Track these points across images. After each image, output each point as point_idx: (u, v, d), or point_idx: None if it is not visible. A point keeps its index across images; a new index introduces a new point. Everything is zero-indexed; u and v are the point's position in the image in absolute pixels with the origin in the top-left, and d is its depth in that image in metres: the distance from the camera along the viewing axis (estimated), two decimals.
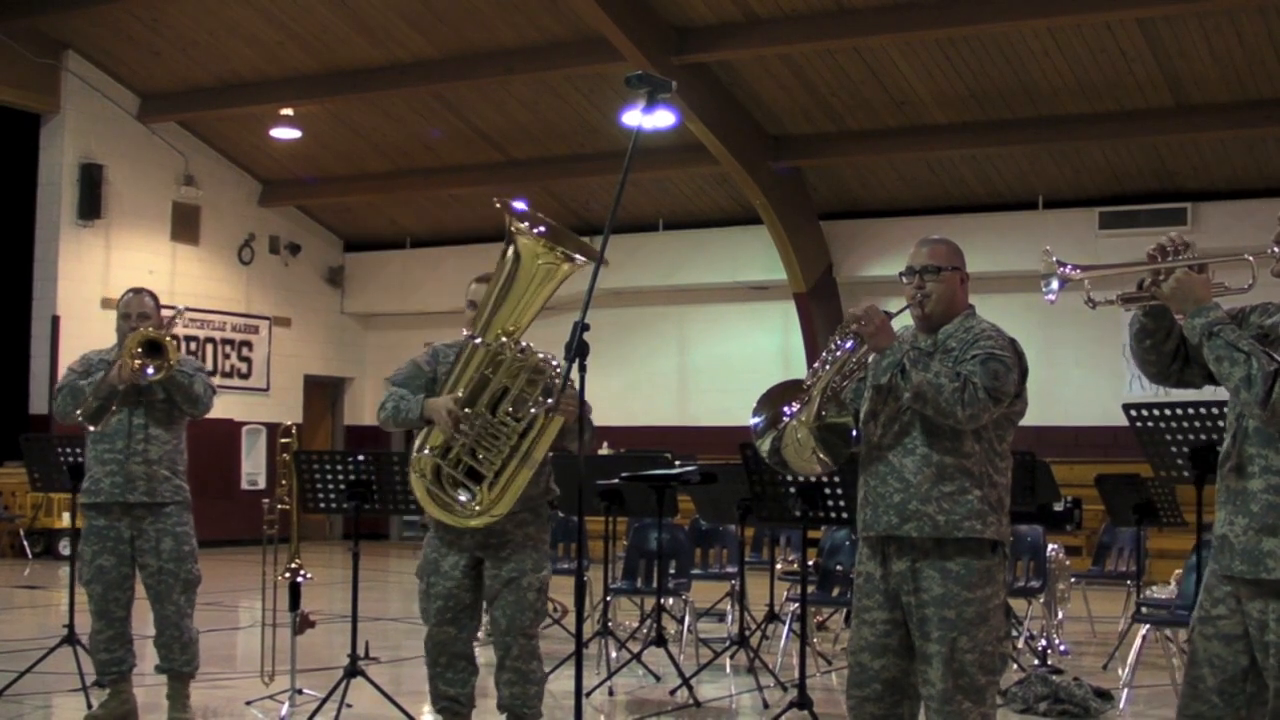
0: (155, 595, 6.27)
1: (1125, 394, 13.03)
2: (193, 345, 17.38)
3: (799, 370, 14.93)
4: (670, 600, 8.84)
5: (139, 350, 6.03)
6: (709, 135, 14.46)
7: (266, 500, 7.05)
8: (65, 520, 14.71)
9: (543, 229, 5.01)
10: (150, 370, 6.02)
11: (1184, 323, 3.64)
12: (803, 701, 6.44)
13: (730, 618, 9.29)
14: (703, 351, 17.93)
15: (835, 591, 8.43)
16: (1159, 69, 13.13)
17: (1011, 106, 14.16)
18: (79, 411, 6.16)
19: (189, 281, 17.36)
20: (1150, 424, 6.32)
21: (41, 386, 16.29)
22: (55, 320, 16.30)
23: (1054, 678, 7.28)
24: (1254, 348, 3.50)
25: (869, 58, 13.64)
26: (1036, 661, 7.98)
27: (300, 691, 6.67)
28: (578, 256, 4.93)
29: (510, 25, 14.15)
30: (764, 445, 4.46)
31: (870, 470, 4.41)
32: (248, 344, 18.44)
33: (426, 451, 5.18)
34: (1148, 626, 7.82)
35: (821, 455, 4.43)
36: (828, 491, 6.77)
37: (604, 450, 14.46)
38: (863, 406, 4.47)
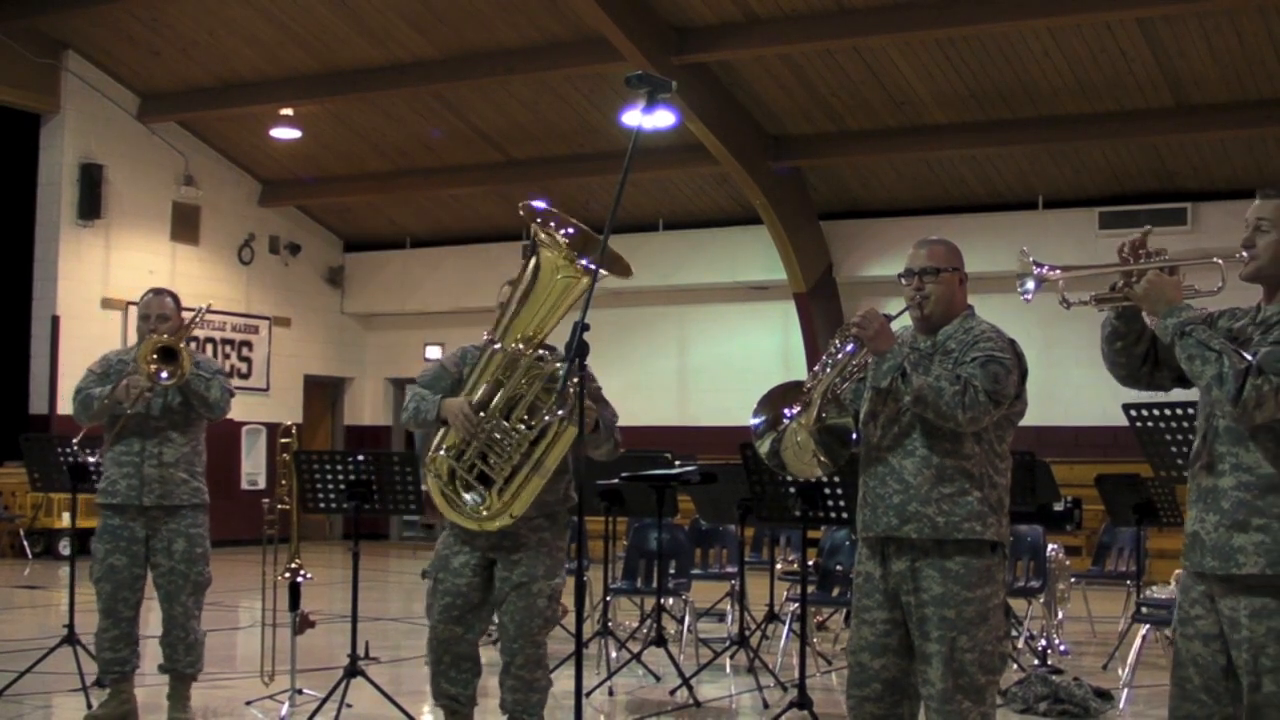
0: (164, 595, 6.30)
1: (1125, 394, 13.01)
2: (193, 345, 17.33)
3: (799, 370, 14.96)
4: (670, 600, 8.85)
5: (154, 356, 6.09)
6: (709, 135, 14.47)
7: (266, 500, 7.06)
8: (65, 520, 14.72)
9: (570, 231, 4.95)
10: (164, 375, 6.08)
11: (1156, 323, 3.70)
12: (803, 701, 6.44)
13: (730, 618, 9.29)
14: (703, 351, 17.93)
15: (835, 591, 8.43)
16: (1159, 69, 13.13)
17: (1011, 106, 14.16)
18: (89, 420, 6.30)
19: (189, 282, 17.33)
20: (1150, 424, 6.32)
21: (41, 387, 16.30)
22: (55, 320, 16.30)
23: (1054, 678, 7.28)
24: (1225, 346, 3.55)
25: (869, 58, 13.64)
26: (1036, 661, 7.99)
27: (300, 691, 6.67)
28: (601, 270, 4.78)
29: (510, 25, 14.15)
30: (764, 446, 4.47)
31: (870, 471, 4.42)
32: (247, 344, 18.44)
33: (442, 452, 5.20)
34: (1148, 626, 7.83)
35: (821, 458, 4.44)
36: (827, 492, 6.77)
37: None
38: (862, 408, 4.48)
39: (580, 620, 4.38)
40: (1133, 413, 6.41)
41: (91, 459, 7.32)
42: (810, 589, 7.66)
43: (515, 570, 5.28)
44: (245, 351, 18.41)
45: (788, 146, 15.46)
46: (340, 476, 6.68)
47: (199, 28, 15.20)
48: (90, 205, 16.44)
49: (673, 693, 7.55)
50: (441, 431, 5.24)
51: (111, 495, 6.30)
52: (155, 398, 6.26)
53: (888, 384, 4.31)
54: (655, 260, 17.50)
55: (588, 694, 7.19)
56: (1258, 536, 3.56)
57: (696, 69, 13.88)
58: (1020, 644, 8.56)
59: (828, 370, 4.38)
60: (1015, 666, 7.96)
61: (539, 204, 5.07)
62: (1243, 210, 3.85)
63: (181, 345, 6.14)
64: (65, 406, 15.59)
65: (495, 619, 5.58)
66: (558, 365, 5.04)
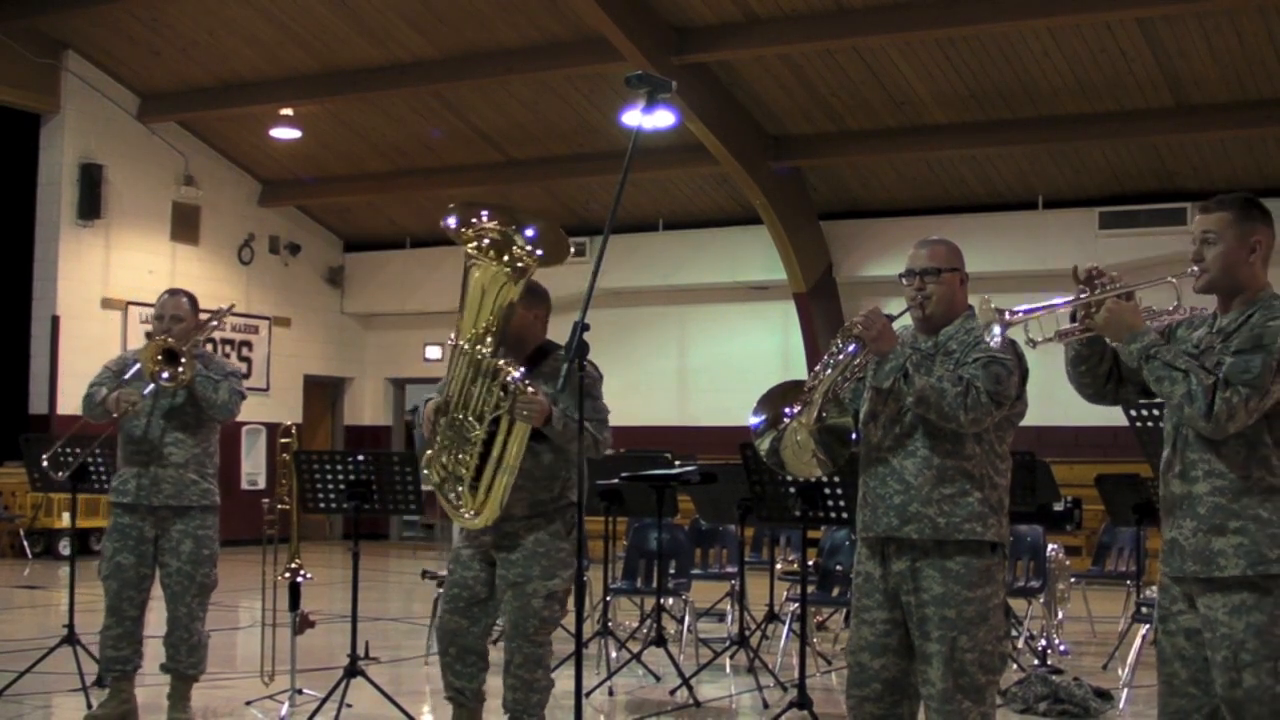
0: (170, 595, 6.32)
1: None
2: (209, 346, 17.35)
3: (799, 370, 14.96)
4: (670, 600, 8.85)
5: (159, 358, 6.12)
6: (709, 135, 14.46)
7: (266, 500, 7.06)
8: (65, 520, 14.72)
9: (484, 242, 5.02)
10: (165, 375, 6.11)
11: (1120, 349, 3.82)
12: (802, 701, 6.44)
13: (730, 618, 9.29)
14: (702, 351, 17.93)
15: (835, 591, 8.43)
16: (1159, 69, 13.13)
17: (1011, 106, 14.16)
18: (90, 418, 6.37)
19: (189, 282, 17.20)
20: (1150, 424, 6.32)
21: (41, 386, 16.30)
22: (55, 320, 16.30)
23: (1054, 678, 7.28)
24: (1190, 364, 3.67)
25: (869, 58, 13.64)
26: (1036, 661, 7.99)
27: (300, 691, 6.67)
28: (519, 262, 4.96)
29: (510, 25, 14.15)
30: (763, 445, 4.47)
31: (870, 471, 4.42)
32: (247, 344, 18.44)
33: (430, 452, 5.25)
34: (1148, 626, 7.81)
35: (821, 458, 4.44)
36: (827, 491, 6.77)
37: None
38: (863, 408, 4.48)
39: (580, 620, 4.37)
40: (1132, 413, 6.41)
41: (69, 458, 7.34)
42: (810, 589, 7.66)
43: (512, 570, 5.27)
44: (245, 351, 18.40)
45: (788, 146, 15.46)
46: (340, 476, 6.69)
47: (199, 28, 15.20)
48: (90, 205, 16.44)
49: (673, 693, 7.55)
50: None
51: (122, 494, 6.33)
52: (163, 398, 6.28)
53: (889, 384, 4.31)
54: (655, 260, 17.53)
55: (588, 694, 7.18)
56: (1235, 539, 3.66)
57: (696, 69, 13.88)
58: (1020, 644, 8.56)
59: (829, 370, 4.38)
60: (1015, 666, 7.96)
61: (450, 221, 5.09)
62: (1270, 210, 3.88)
63: (184, 348, 6.15)
64: (65, 406, 15.75)
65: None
66: (500, 361, 5.06)
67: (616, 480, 8.22)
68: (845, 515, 6.73)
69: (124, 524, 6.32)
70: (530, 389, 5.03)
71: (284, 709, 6.62)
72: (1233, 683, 3.63)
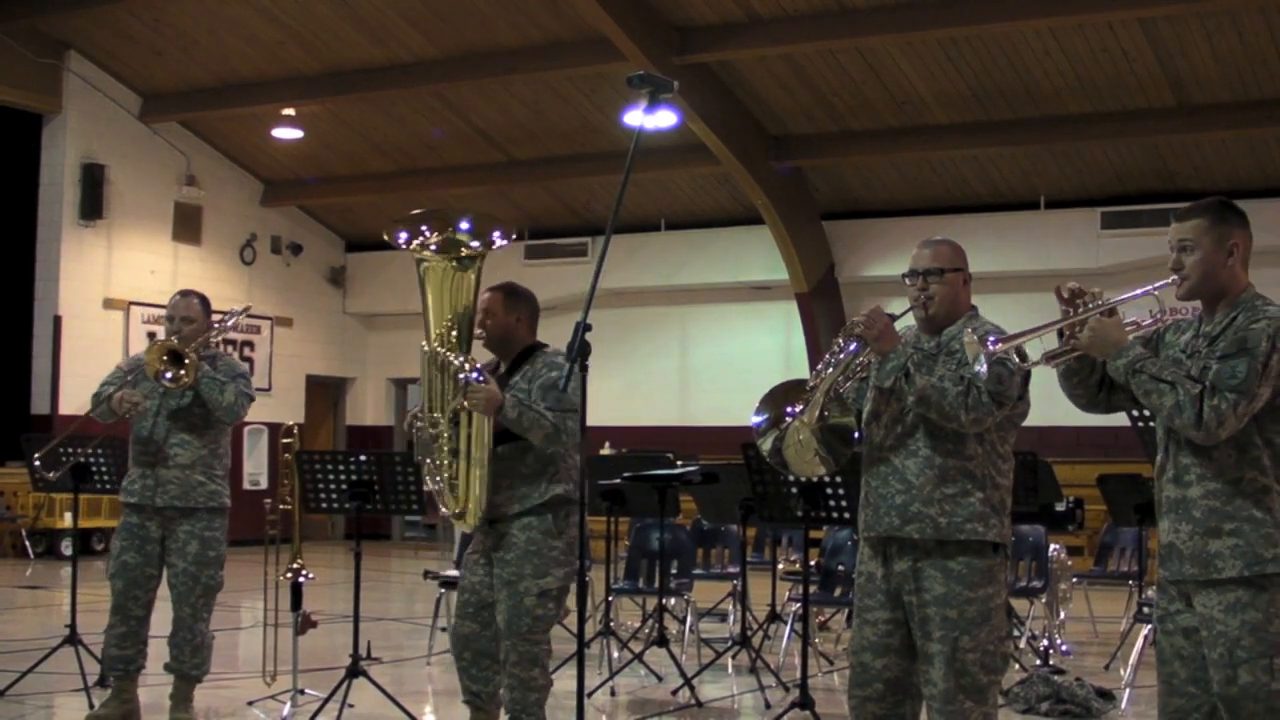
0: (175, 595, 6.34)
1: None
2: (226, 347, 17.37)
3: (800, 370, 14.95)
4: (672, 600, 8.85)
5: (165, 358, 6.14)
6: (711, 135, 14.46)
7: (268, 500, 7.06)
8: (67, 520, 14.72)
9: (431, 249, 5.34)
10: (168, 375, 6.13)
11: (1108, 365, 3.85)
12: (804, 701, 6.44)
13: (732, 618, 9.28)
14: (704, 351, 17.92)
15: (837, 591, 8.43)
16: (1160, 69, 13.13)
17: (1013, 106, 14.15)
18: (96, 417, 6.42)
19: (191, 282, 17.16)
20: (1151, 424, 6.29)
21: (43, 386, 16.30)
22: (57, 320, 16.30)
23: (1056, 678, 7.28)
24: (1176, 375, 3.71)
25: (870, 58, 13.64)
26: (1038, 661, 7.99)
27: (302, 692, 6.67)
28: (463, 251, 5.25)
29: (512, 25, 14.15)
30: (765, 444, 4.47)
31: (872, 471, 4.42)
32: (249, 344, 18.44)
33: (427, 462, 5.34)
34: (1149, 626, 7.81)
35: (823, 456, 4.44)
36: (829, 491, 6.76)
37: (606, 450, 14.47)
38: (865, 407, 4.48)
39: (582, 620, 4.38)
40: (1134, 412, 6.39)
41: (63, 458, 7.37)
42: (812, 589, 7.65)
43: (506, 569, 5.30)
44: (247, 352, 18.40)
45: (789, 146, 15.46)
46: (342, 476, 6.69)
47: (200, 28, 15.20)
48: (92, 205, 16.44)
49: (675, 693, 7.55)
50: None
51: (130, 494, 6.37)
52: (170, 399, 6.29)
53: (891, 384, 4.31)
54: (657, 260, 17.52)
55: (589, 694, 7.18)
56: (1231, 541, 3.70)
57: (698, 69, 13.88)
58: (1022, 644, 8.56)
59: (831, 369, 4.38)
60: (1017, 666, 7.96)
61: (401, 237, 5.42)
62: (1244, 210, 3.89)
63: (189, 350, 6.16)
64: (67, 406, 15.76)
65: None
66: (452, 357, 5.20)
67: (619, 480, 8.22)
68: (847, 515, 6.73)
69: (131, 523, 6.34)
70: (480, 379, 5.12)
71: (286, 709, 6.62)
72: (1228, 680, 3.66)
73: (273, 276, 18.88)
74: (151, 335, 15.94)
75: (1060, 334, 3.92)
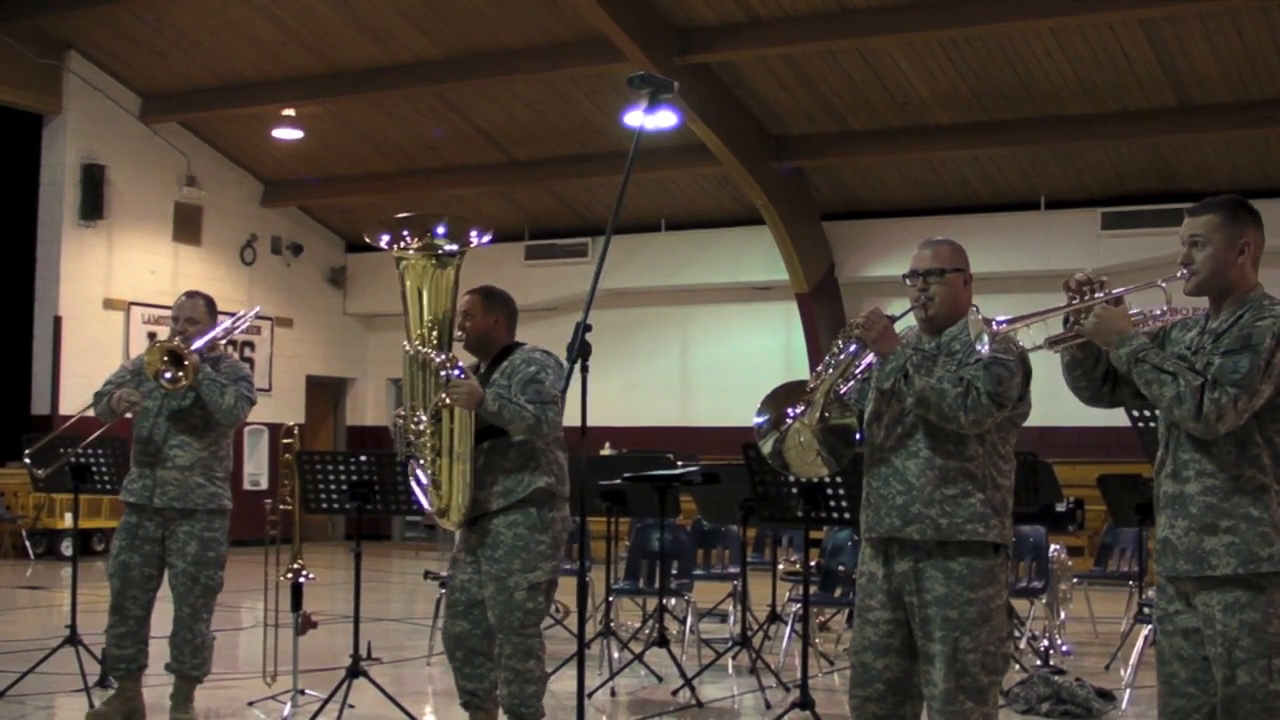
0: (176, 596, 6.35)
1: None
2: (230, 349, 17.34)
3: (801, 371, 14.95)
4: (672, 601, 8.85)
5: (165, 359, 6.15)
6: (711, 136, 14.46)
7: (269, 501, 7.06)
8: (67, 521, 14.73)
9: (411, 252, 5.34)
10: (168, 376, 6.14)
11: (1110, 354, 3.85)
12: (805, 702, 6.44)
13: (732, 618, 9.29)
14: (705, 352, 17.92)
15: (837, 592, 8.43)
16: (1161, 69, 13.13)
17: (1014, 107, 14.15)
18: (97, 415, 6.45)
19: (191, 282, 17.27)
20: (1152, 424, 6.30)
21: (43, 387, 16.30)
22: (57, 321, 16.31)
23: (1056, 678, 7.28)
24: (1178, 367, 3.71)
25: (871, 58, 13.64)
26: (1039, 662, 7.99)
27: (302, 692, 6.68)
28: (440, 252, 5.27)
29: (512, 25, 14.15)
30: (766, 445, 4.47)
31: (873, 472, 4.42)
32: (250, 344, 18.44)
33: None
34: (1150, 627, 7.81)
35: (825, 457, 4.44)
36: (830, 492, 6.76)
37: (606, 451, 14.47)
38: (867, 408, 4.48)
39: (582, 621, 4.38)
40: (1134, 413, 6.40)
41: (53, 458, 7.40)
42: (812, 589, 7.66)
43: (494, 566, 5.34)
44: (247, 352, 18.39)
45: (790, 147, 15.46)
46: (342, 477, 6.69)
47: (201, 28, 15.20)
48: (92, 206, 16.45)
49: (675, 693, 7.55)
50: None
51: (130, 494, 6.39)
52: (171, 400, 6.30)
53: (890, 385, 4.31)
54: (657, 261, 17.52)
55: (590, 694, 7.18)
56: (1227, 538, 3.70)
57: (699, 69, 13.88)
58: (1022, 644, 8.56)
59: (831, 370, 4.39)
60: (1018, 667, 7.95)
61: (383, 239, 5.43)
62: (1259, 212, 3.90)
63: (187, 351, 6.16)
64: (67, 407, 15.75)
65: None
66: (435, 356, 5.21)
67: (619, 481, 8.21)
68: (847, 516, 6.73)
69: (131, 523, 6.36)
70: (461, 376, 5.18)
71: (286, 709, 6.62)
72: (1227, 679, 3.67)
73: (273, 277, 18.88)
74: (152, 336, 15.95)
75: (1065, 320, 3.92)
